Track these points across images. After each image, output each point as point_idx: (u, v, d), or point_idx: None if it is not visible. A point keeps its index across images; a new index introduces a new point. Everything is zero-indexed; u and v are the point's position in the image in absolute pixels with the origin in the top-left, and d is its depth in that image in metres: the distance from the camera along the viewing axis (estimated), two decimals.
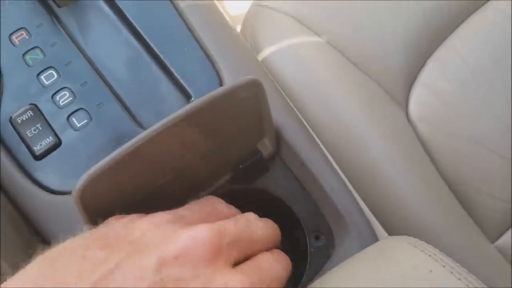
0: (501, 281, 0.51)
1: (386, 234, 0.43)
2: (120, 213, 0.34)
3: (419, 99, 0.56)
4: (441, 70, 0.57)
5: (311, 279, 0.38)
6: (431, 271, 0.30)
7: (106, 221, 0.31)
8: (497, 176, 0.54)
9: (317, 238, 0.40)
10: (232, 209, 0.35)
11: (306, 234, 0.40)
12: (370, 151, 0.52)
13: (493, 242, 0.53)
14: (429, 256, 0.31)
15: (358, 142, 0.52)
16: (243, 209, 0.43)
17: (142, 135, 0.31)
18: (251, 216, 0.34)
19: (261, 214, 0.43)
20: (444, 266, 0.30)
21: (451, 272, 0.30)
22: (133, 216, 0.31)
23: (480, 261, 0.51)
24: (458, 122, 0.55)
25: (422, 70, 0.57)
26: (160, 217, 0.30)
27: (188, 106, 0.33)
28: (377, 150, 0.52)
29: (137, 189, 0.35)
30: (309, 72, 0.54)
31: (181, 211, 0.32)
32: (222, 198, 0.41)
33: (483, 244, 0.53)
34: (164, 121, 0.32)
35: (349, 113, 0.53)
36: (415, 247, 0.32)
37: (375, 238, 0.39)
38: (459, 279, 0.29)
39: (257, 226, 0.33)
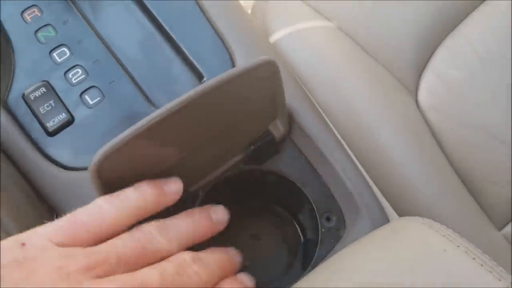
0: (506, 268, 0.51)
1: (397, 217, 0.44)
2: None
3: (429, 87, 0.56)
4: (451, 58, 0.56)
5: (321, 260, 0.38)
6: (445, 250, 0.30)
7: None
8: (505, 166, 0.54)
9: (328, 219, 0.40)
10: (173, 242, 0.30)
11: (317, 215, 0.40)
12: (380, 137, 0.51)
13: (499, 229, 0.53)
14: (443, 236, 0.31)
15: (367, 128, 0.52)
16: (253, 190, 0.43)
17: (161, 110, 0.31)
18: (187, 256, 0.29)
19: (273, 195, 0.44)
20: (458, 246, 0.30)
21: (466, 252, 0.30)
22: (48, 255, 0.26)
23: (486, 248, 0.51)
24: (467, 111, 0.55)
25: (432, 57, 0.57)
26: (73, 263, 0.25)
27: (204, 85, 0.32)
28: (387, 136, 0.52)
29: (152, 166, 0.35)
30: (319, 57, 0.54)
31: (106, 250, 0.27)
32: (233, 180, 0.41)
33: (489, 231, 0.53)
34: (181, 98, 0.32)
35: (358, 99, 0.53)
36: (429, 227, 0.32)
37: (386, 220, 0.39)
38: (474, 258, 0.29)
39: (192, 272, 0.29)
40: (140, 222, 0.31)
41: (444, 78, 0.55)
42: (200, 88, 0.32)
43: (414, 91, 0.56)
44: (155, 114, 0.31)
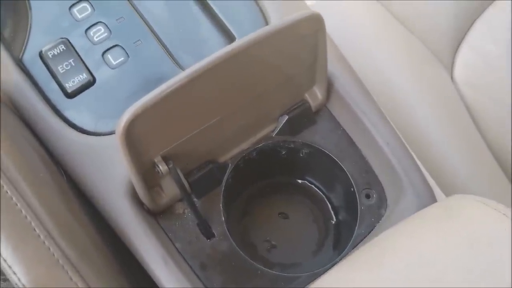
0: None
1: (444, 197, 0.41)
2: (162, 156, 0.32)
3: (465, 62, 0.53)
4: (490, 32, 0.53)
5: (362, 239, 0.35)
6: (505, 230, 0.28)
7: None
8: None
9: (367, 196, 0.37)
10: None
11: (356, 191, 0.37)
12: (415, 112, 0.49)
13: None
14: (503, 214, 0.29)
15: (402, 102, 0.49)
16: (285, 164, 0.40)
17: (195, 67, 0.29)
18: None
19: (306, 170, 0.41)
20: None
21: None
22: None
23: None
24: (503, 88, 0.52)
25: (469, 31, 0.54)
26: None
27: (237, 43, 0.30)
28: (422, 112, 0.49)
29: (180, 130, 0.32)
30: (351, 26, 0.51)
31: None
32: (263, 152, 0.38)
33: None
34: (215, 55, 0.29)
35: (393, 70, 0.50)
36: (487, 205, 0.29)
37: (433, 200, 0.36)
38: None
39: None
40: None
41: (481, 53, 0.53)
42: (235, 45, 0.30)
43: (449, 66, 0.53)
44: (188, 72, 0.29)
